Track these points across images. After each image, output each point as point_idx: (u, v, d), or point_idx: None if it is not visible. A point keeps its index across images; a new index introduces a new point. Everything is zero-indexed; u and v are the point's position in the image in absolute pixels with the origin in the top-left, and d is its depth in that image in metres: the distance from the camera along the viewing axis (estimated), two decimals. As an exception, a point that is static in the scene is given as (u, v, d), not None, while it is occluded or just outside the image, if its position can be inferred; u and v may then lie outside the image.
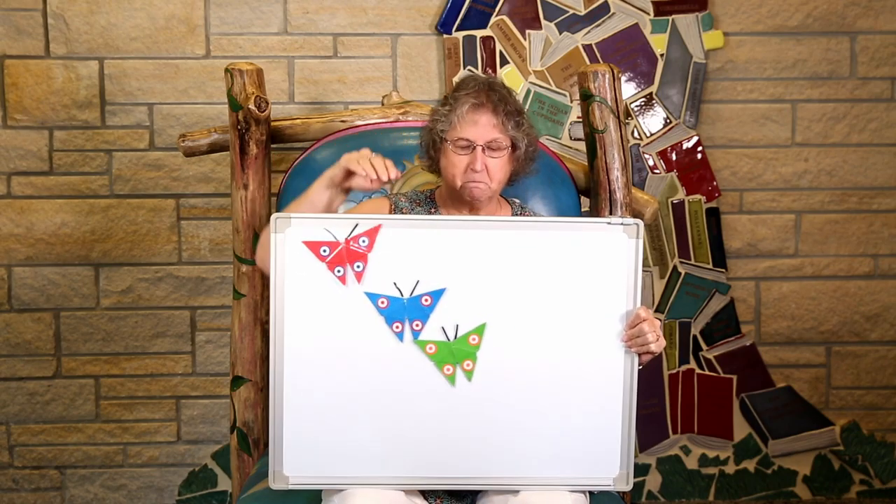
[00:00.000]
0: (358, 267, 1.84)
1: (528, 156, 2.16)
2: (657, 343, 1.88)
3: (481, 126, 2.06)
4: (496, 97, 2.08)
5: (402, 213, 2.16)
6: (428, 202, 2.20)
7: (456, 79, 2.96)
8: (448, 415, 1.87)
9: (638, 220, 1.87)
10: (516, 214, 2.22)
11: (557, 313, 1.86)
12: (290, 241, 1.83)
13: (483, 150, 2.06)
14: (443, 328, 1.85)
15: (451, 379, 1.86)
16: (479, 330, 1.85)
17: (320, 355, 1.86)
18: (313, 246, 1.84)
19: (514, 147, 2.10)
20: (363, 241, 1.84)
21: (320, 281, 1.84)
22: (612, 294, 1.87)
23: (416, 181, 2.39)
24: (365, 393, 1.86)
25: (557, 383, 1.88)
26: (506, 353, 1.86)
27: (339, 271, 1.84)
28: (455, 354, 1.85)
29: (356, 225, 1.84)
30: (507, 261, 1.85)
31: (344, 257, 1.84)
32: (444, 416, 1.87)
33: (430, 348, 1.85)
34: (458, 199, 2.14)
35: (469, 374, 1.86)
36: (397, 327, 1.84)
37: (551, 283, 1.86)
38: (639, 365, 1.90)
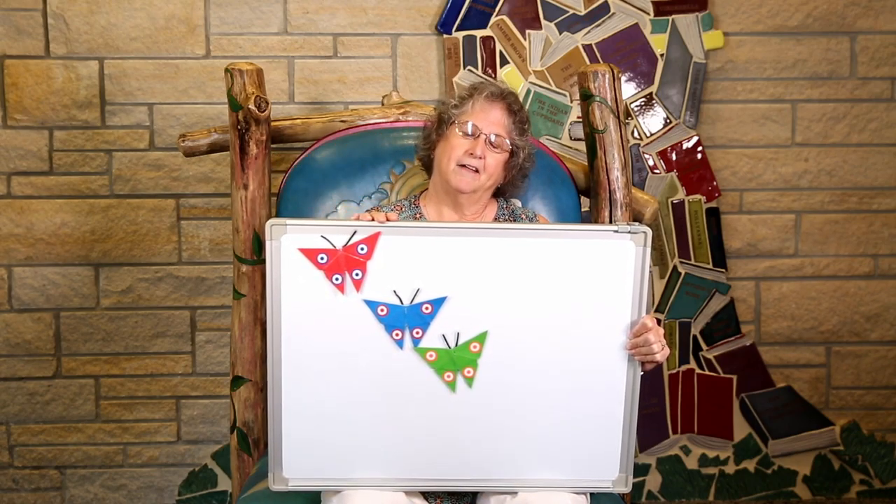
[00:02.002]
0: (357, 275, 1.82)
1: (522, 170, 2.20)
2: (662, 353, 1.88)
3: (492, 118, 2.10)
4: (512, 100, 2.15)
5: None
6: (412, 207, 2.21)
7: (457, 79, 2.97)
8: (448, 420, 1.87)
9: (646, 228, 1.85)
10: (501, 208, 2.22)
11: (561, 321, 1.85)
12: (285, 249, 1.82)
13: (486, 140, 2.07)
14: (443, 336, 1.84)
15: (452, 385, 1.85)
16: (481, 338, 1.84)
17: (319, 362, 1.85)
18: (310, 253, 1.82)
19: (512, 154, 2.12)
20: (362, 249, 1.82)
21: (318, 289, 1.83)
22: (617, 303, 1.86)
23: (415, 181, 2.39)
24: (364, 398, 1.86)
25: (559, 389, 1.88)
26: (507, 361, 1.85)
27: (337, 279, 1.82)
28: (456, 362, 1.85)
29: (354, 232, 1.82)
30: (510, 268, 1.83)
31: (342, 265, 1.82)
32: (444, 421, 1.87)
33: (431, 356, 1.84)
34: (444, 194, 2.14)
35: (470, 381, 1.86)
36: (397, 335, 1.84)
37: (555, 290, 1.84)
38: (641, 372, 1.90)
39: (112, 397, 3.06)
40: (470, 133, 2.09)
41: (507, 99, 2.13)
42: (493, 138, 2.09)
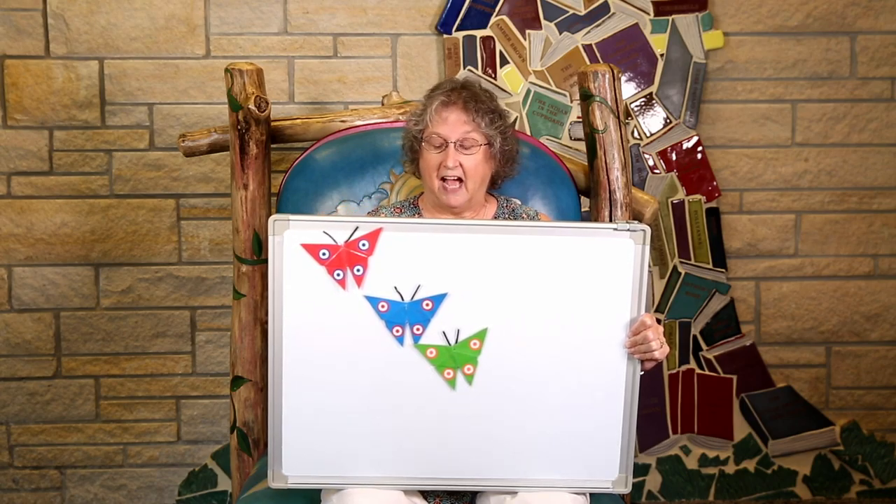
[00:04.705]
0: (358, 271, 1.83)
1: (506, 155, 2.16)
2: (661, 350, 1.87)
3: (451, 123, 2.08)
4: (467, 95, 2.10)
5: None
6: (411, 208, 2.20)
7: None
8: (448, 418, 1.87)
9: (645, 227, 1.85)
10: (501, 207, 2.22)
11: (560, 319, 1.85)
12: (288, 244, 1.83)
13: (456, 146, 2.06)
14: (444, 333, 1.84)
15: (452, 383, 1.85)
16: (481, 335, 1.85)
17: (319, 358, 1.85)
18: (312, 249, 1.83)
19: (489, 145, 2.11)
20: (363, 245, 1.83)
21: (319, 284, 1.83)
22: (616, 300, 1.86)
23: (415, 181, 2.39)
24: (364, 395, 1.86)
25: (559, 388, 1.88)
26: (507, 358, 1.85)
27: (338, 275, 1.83)
28: (456, 359, 1.85)
29: (356, 228, 1.83)
30: (510, 265, 1.84)
31: (344, 261, 1.83)
32: (444, 418, 1.87)
33: (431, 352, 1.85)
34: (439, 203, 2.14)
35: (470, 379, 1.86)
36: (397, 331, 1.84)
37: (555, 288, 1.85)
38: (641, 371, 1.90)
39: (112, 397, 3.06)
40: (437, 145, 2.08)
41: (461, 96, 2.09)
42: (460, 142, 2.07)
